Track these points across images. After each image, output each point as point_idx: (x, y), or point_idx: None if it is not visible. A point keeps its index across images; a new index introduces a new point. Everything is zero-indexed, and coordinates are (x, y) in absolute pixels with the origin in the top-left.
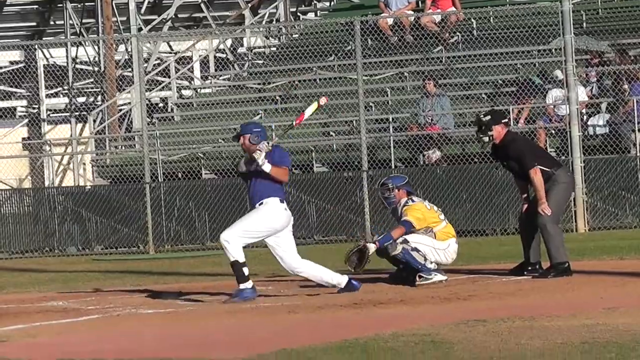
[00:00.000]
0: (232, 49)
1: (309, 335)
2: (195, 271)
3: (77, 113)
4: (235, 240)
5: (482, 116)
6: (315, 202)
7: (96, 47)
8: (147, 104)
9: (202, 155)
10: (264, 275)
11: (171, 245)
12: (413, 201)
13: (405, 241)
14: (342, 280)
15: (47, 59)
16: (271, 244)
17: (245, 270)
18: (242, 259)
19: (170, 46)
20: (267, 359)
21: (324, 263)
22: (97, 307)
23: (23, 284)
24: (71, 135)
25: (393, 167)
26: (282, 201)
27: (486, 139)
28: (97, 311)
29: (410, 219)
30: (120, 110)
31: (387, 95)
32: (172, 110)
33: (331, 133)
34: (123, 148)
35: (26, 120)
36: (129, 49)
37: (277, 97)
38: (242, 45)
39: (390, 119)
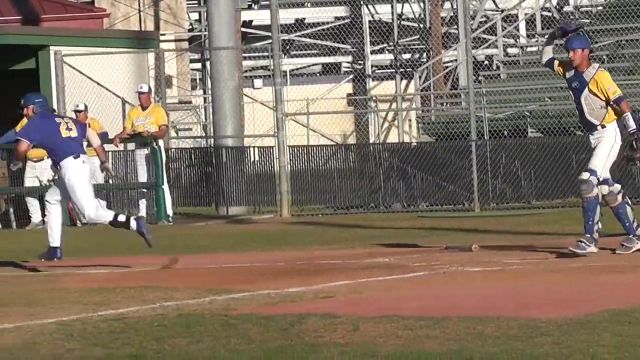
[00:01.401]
0: (558, 7)
1: (636, 296)
2: (519, 229)
3: (402, 70)
4: (93, 209)
5: None
6: None
7: (421, 4)
8: (472, 62)
9: (528, 114)
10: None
11: (496, 203)
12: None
13: (610, 183)
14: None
15: (372, 15)
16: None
17: (122, 217)
18: (111, 216)
19: (496, 4)
20: (593, 319)
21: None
22: (424, 264)
23: (348, 239)
24: (396, 92)
25: None
26: (76, 157)
27: None
28: (424, 268)
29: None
30: (446, 67)
31: None
32: (498, 68)
33: None
34: (448, 105)
35: (351, 76)
36: (454, 6)
37: (604, 57)
38: (567, 4)
39: None
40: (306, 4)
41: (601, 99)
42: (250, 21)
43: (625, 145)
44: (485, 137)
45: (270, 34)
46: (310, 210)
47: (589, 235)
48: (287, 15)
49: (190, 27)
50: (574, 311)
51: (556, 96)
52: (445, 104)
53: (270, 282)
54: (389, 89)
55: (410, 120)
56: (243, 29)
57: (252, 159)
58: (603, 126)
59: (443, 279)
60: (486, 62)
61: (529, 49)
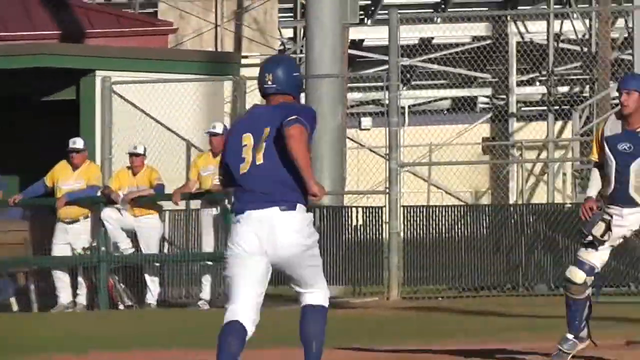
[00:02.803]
0: None
1: None
2: None
3: (556, 107)
4: None
5: None
6: None
7: (586, 21)
8: None
9: None
10: None
11: None
12: None
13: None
14: None
15: (521, 34)
16: None
17: None
18: None
19: None
20: None
21: None
22: None
23: (478, 331)
24: (547, 136)
25: None
26: None
27: None
28: None
29: None
30: (615, 105)
31: None
32: None
33: None
34: None
35: (489, 115)
36: (630, 24)
37: None
38: None
39: None
40: (436, 19)
41: None
42: (361, 41)
43: None
44: None
45: (386, 57)
46: (428, 292)
47: (575, 335)
48: (410, 34)
49: (282, 46)
50: None
51: None
52: None
53: None
54: (538, 133)
55: (564, 174)
56: (351, 51)
57: (354, 222)
58: None
59: None
60: None
61: None
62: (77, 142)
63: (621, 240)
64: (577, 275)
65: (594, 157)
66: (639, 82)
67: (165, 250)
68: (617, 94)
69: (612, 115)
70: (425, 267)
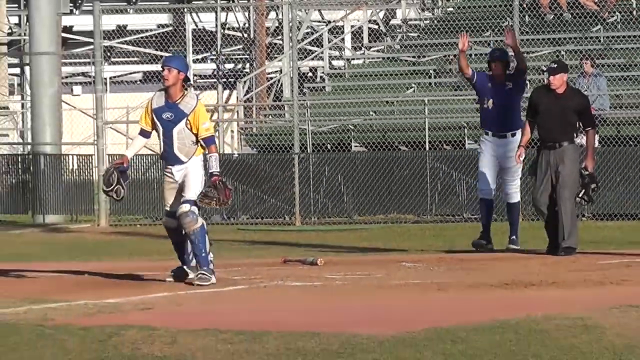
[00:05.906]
0: (385, 20)
1: (458, 314)
2: (341, 244)
3: (224, 79)
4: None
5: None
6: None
7: (246, 13)
8: (297, 73)
9: (352, 128)
10: (414, 250)
11: (318, 217)
12: None
13: None
14: None
15: (195, 23)
16: None
17: None
18: None
19: (322, 15)
20: (415, 337)
21: None
22: (244, 278)
23: (167, 251)
24: (218, 102)
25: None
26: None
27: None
28: (244, 282)
29: None
30: (270, 79)
31: (543, 74)
32: (322, 80)
33: None
34: (271, 117)
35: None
36: (280, 16)
37: (431, 71)
38: (395, 17)
39: None
40: (129, 10)
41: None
42: (71, 26)
43: None
44: (309, 150)
45: (91, 40)
46: (129, 220)
47: (206, 267)
48: (109, 22)
49: (10, 30)
50: (396, 328)
51: (381, 110)
52: (267, 115)
53: (88, 292)
54: (211, 99)
55: (232, 131)
56: (63, 34)
57: (71, 166)
58: None
59: (263, 293)
60: (310, 74)
61: (354, 62)
62: None
63: None
64: None
65: (142, 124)
66: (177, 61)
67: None
68: (274, 68)
69: (157, 91)
70: (126, 201)
